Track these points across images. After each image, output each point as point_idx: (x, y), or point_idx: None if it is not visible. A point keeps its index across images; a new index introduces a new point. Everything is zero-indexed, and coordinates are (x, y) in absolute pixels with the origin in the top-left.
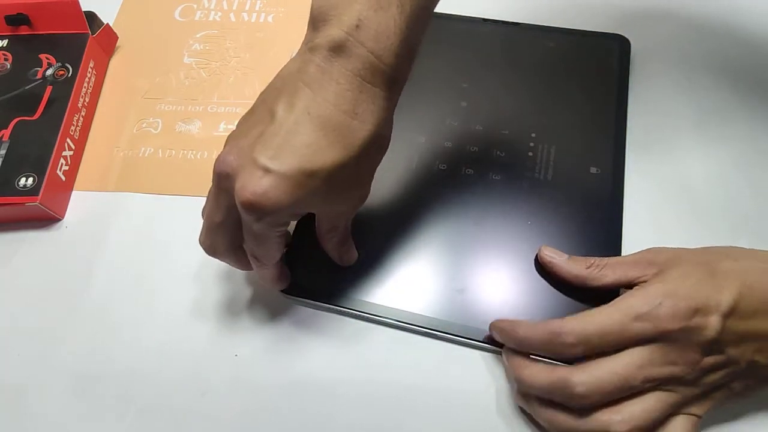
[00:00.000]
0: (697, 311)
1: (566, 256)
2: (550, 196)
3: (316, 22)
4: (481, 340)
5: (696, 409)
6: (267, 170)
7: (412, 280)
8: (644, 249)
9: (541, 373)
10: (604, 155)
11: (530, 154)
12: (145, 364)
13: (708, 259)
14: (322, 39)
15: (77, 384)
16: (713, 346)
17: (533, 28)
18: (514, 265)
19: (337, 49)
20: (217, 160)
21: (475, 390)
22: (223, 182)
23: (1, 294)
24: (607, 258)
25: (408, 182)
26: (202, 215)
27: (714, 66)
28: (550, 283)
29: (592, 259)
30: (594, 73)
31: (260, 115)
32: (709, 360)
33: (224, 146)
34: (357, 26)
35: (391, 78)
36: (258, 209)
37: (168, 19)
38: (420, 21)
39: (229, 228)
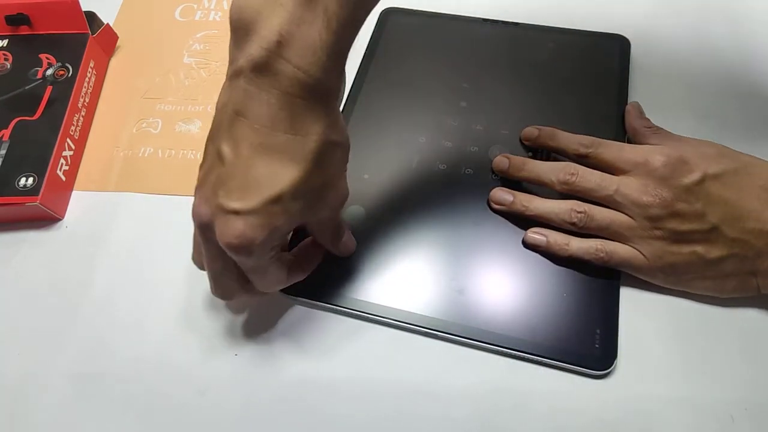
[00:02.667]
0: (686, 162)
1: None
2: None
3: (237, 36)
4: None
5: (644, 247)
6: (236, 212)
7: (411, 280)
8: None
9: (544, 163)
10: None
11: (530, 154)
12: (145, 364)
13: (729, 150)
14: (244, 61)
15: (77, 384)
16: (687, 194)
17: (533, 28)
18: (514, 265)
19: (260, 68)
20: (192, 213)
21: (474, 390)
22: (205, 233)
23: (2, 294)
24: (666, 131)
25: (408, 182)
26: (194, 262)
27: (714, 66)
28: (550, 284)
29: (653, 124)
30: (594, 73)
31: (211, 159)
32: (680, 205)
33: (194, 198)
34: (278, 42)
35: (323, 90)
36: (243, 249)
37: (168, 19)
38: (349, 31)
39: (232, 269)
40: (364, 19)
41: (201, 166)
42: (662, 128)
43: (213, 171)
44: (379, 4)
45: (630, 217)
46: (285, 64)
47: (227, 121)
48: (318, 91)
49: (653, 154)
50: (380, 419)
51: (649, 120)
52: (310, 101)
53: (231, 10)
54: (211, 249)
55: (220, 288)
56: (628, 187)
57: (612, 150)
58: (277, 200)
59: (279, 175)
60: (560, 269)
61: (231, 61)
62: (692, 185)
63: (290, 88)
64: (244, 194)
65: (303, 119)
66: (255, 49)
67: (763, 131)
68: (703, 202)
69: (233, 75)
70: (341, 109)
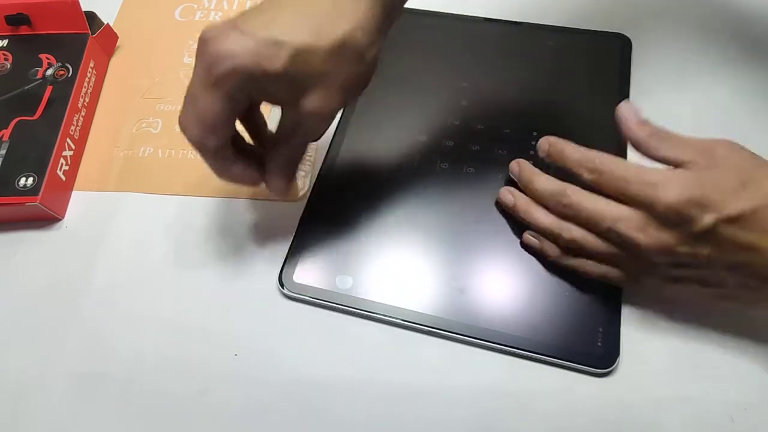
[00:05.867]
0: (699, 204)
1: (642, 119)
2: None
3: None
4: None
5: (637, 277)
6: (241, 31)
7: (413, 279)
8: (718, 139)
9: (548, 182)
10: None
11: (531, 152)
12: (144, 364)
13: (755, 168)
14: None
15: (77, 384)
16: (694, 240)
17: (534, 27)
18: (515, 264)
19: None
20: (202, 31)
21: (475, 389)
22: (201, 47)
23: (2, 294)
24: (672, 133)
25: (410, 181)
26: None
27: (715, 65)
28: (551, 283)
29: (657, 128)
30: (595, 71)
31: (258, 4)
32: (683, 249)
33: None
34: None
35: None
36: (221, 58)
37: (168, 19)
38: None
39: (201, 96)
40: None
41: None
42: (666, 130)
43: (251, 10)
44: None
45: (625, 251)
46: None
47: None
48: None
49: (662, 190)
50: (381, 418)
51: (649, 123)
52: None
53: None
54: (197, 67)
55: (183, 113)
56: (625, 223)
57: (616, 178)
58: (277, 43)
59: (296, 31)
60: (561, 273)
61: None
62: (701, 232)
63: None
64: (260, 26)
65: (347, 4)
66: None
67: (764, 130)
68: (712, 248)
69: None
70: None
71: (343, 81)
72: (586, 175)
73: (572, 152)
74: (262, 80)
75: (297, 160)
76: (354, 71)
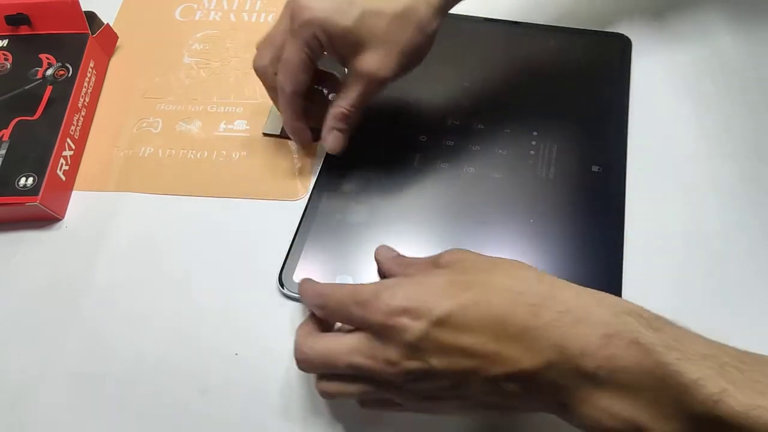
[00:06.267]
0: (407, 312)
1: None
2: (552, 194)
3: None
4: None
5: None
6: None
7: None
8: (448, 250)
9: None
10: (606, 153)
11: (532, 152)
12: (144, 364)
13: (470, 271)
14: None
15: (77, 384)
16: (414, 351)
17: (535, 28)
18: None
19: None
20: None
21: None
22: (288, 4)
23: (1, 294)
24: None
25: (410, 181)
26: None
27: (715, 64)
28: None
29: (402, 258)
30: (595, 71)
31: None
32: (410, 364)
33: None
34: None
35: None
36: (301, 10)
37: (168, 19)
38: None
39: (277, 43)
40: None
41: None
42: (406, 257)
43: None
44: None
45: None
46: None
47: None
48: None
49: (372, 310)
50: (380, 416)
51: (400, 257)
52: None
53: None
54: (281, 18)
55: (259, 54)
56: (356, 354)
57: (337, 304)
58: (352, 3)
59: None
60: (562, 271)
61: None
62: (417, 340)
63: None
64: None
65: None
66: None
67: (765, 129)
68: (438, 357)
69: None
70: None
71: (402, 47)
72: (319, 313)
73: (305, 293)
74: (332, 32)
75: (351, 118)
76: (413, 40)
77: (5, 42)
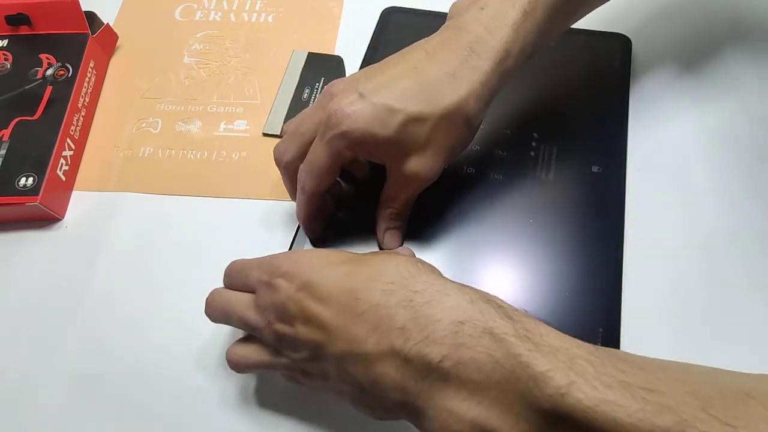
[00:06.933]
0: (286, 274)
1: None
2: (552, 195)
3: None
4: None
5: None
6: (361, 95)
7: None
8: None
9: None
10: (606, 154)
11: (532, 153)
12: (144, 364)
13: (364, 257)
14: (459, 19)
15: (77, 384)
16: (284, 313)
17: None
18: (516, 264)
19: (459, 26)
20: (330, 83)
21: None
22: (324, 99)
23: (1, 294)
24: None
25: None
26: (288, 129)
27: (715, 64)
28: (551, 283)
29: None
30: (595, 72)
31: (381, 64)
32: (281, 327)
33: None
34: (481, 8)
35: (499, 57)
36: (337, 119)
37: (168, 19)
38: (542, 28)
39: (306, 139)
40: (568, 24)
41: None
42: None
43: (373, 69)
44: (379, 4)
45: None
46: (478, 25)
47: (413, 49)
48: (495, 53)
49: (263, 270)
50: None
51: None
52: (483, 60)
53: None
54: (314, 114)
55: (284, 146)
56: (247, 309)
57: (233, 271)
58: (391, 111)
59: (411, 99)
60: (563, 268)
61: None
62: (283, 301)
63: (473, 43)
64: (378, 91)
65: (467, 72)
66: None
67: (765, 130)
68: (301, 323)
69: (445, 27)
70: None
71: (448, 146)
72: (225, 281)
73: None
74: (371, 143)
75: (403, 216)
76: (459, 137)
77: (5, 42)
